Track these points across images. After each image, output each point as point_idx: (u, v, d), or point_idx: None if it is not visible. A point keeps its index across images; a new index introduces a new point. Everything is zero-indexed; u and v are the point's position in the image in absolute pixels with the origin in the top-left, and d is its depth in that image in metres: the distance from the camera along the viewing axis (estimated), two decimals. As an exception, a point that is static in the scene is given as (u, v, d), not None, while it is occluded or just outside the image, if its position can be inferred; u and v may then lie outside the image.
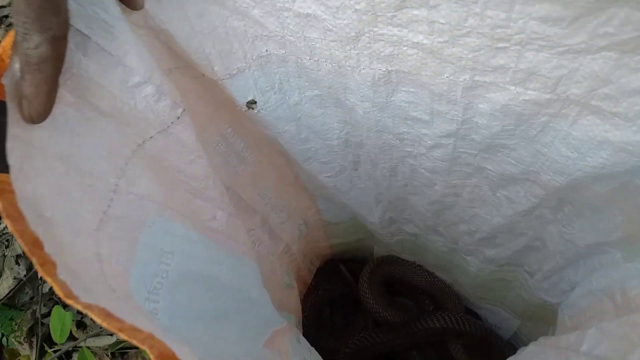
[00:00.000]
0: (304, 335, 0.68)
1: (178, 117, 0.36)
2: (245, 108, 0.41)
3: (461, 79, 0.33)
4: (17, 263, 0.84)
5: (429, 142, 0.41)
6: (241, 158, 0.47)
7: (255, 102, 0.40)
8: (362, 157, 0.50)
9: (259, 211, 0.50)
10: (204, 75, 0.39)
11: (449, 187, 0.47)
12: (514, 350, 0.63)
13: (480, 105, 0.34)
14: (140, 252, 0.29)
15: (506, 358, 0.62)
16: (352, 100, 0.40)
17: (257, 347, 0.42)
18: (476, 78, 0.32)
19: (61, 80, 0.24)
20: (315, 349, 0.72)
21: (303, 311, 0.69)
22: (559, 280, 0.47)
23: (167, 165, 0.36)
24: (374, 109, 0.39)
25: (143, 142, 0.33)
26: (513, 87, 0.32)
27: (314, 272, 0.75)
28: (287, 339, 0.49)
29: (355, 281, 0.74)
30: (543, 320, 0.56)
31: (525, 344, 0.65)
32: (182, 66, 0.39)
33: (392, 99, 0.38)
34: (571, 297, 0.45)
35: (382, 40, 0.33)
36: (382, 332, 0.66)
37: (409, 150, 0.44)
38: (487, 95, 0.33)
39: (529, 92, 0.32)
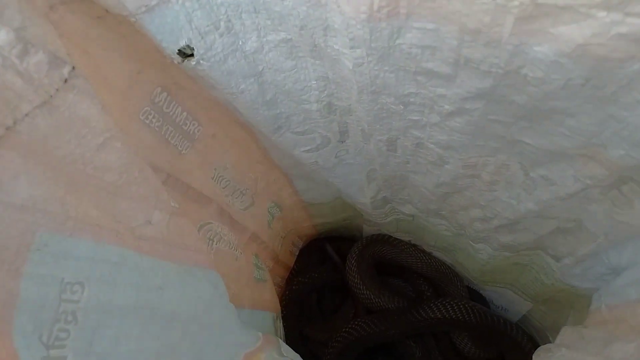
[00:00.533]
0: (287, 327, 0.58)
1: (65, 81, 0.23)
2: (177, 59, 0.27)
3: (514, 3, 0.20)
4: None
5: (446, 107, 0.28)
6: (185, 133, 0.33)
7: (193, 50, 0.26)
8: (351, 127, 0.37)
9: (214, 199, 0.37)
10: (107, 12, 0.25)
11: (465, 166, 0.34)
12: (526, 336, 0.54)
13: (538, 48, 0.21)
14: (26, 291, 0.20)
15: (519, 344, 0.54)
16: (336, 46, 0.26)
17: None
18: (540, 0, 0.19)
19: None
20: (303, 341, 0.62)
21: (285, 299, 0.58)
22: (595, 264, 0.37)
23: (62, 154, 0.23)
24: (370, 59, 0.26)
25: (14, 123, 0.21)
26: (604, 13, 0.19)
27: (297, 253, 0.63)
28: (264, 357, 0.38)
29: (344, 262, 0.63)
30: (561, 304, 0.46)
31: (537, 328, 0.56)
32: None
33: (398, 42, 0.24)
34: (614, 284, 0.35)
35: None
36: (375, 321, 0.55)
37: (415, 118, 0.31)
38: (552, 31, 0.20)
39: (629, 19, 0.19)
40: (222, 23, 0.26)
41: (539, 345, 0.55)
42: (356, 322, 0.56)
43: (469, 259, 0.52)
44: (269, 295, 0.49)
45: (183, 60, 0.27)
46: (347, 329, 0.55)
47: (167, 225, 0.30)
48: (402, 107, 0.30)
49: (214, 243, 0.38)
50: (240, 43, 0.27)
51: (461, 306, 0.53)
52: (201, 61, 0.27)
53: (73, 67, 0.23)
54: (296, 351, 0.57)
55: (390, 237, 0.61)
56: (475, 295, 0.61)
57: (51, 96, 0.23)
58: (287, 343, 0.56)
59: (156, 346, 0.27)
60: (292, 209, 0.50)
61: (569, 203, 0.32)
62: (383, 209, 0.51)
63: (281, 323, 0.54)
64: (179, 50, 0.26)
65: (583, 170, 0.28)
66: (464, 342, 0.55)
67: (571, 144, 0.27)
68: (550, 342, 0.52)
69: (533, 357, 0.38)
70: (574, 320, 0.45)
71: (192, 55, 0.27)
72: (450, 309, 0.53)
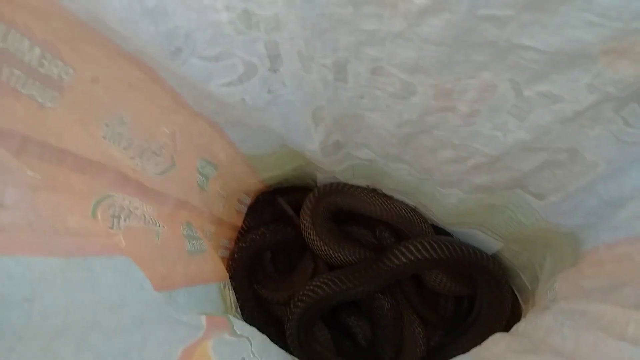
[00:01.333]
0: (239, 292, 0.50)
1: None
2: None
3: None
4: None
5: (418, 0, 0.18)
6: (45, 79, 0.22)
7: None
8: (284, 48, 0.26)
9: (111, 165, 0.26)
10: None
11: (437, 95, 0.25)
12: (499, 266, 0.49)
13: None
14: None
15: (493, 273, 0.47)
16: None
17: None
18: None
19: None
20: (259, 305, 0.55)
21: (234, 261, 0.50)
22: (588, 198, 0.30)
23: None
24: None
25: None
26: None
27: (245, 211, 0.54)
28: (211, 345, 0.30)
29: (299, 216, 0.55)
30: (535, 243, 0.41)
31: (507, 267, 0.48)
32: None
33: None
34: (614, 219, 0.30)
35: None
36: (341, 278, 0.48)
37: (371, 28, 0.21)
38: None
39: None
40: None
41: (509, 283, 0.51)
42: (319, 281, 0.49)
43: (434, 202, 0.45)
44: (210, 265, 0.40)
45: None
46: (309, 289, 0.48)
47: (31, 207, 0.20)
48: (351, 9, 0.19)
49: (121, 220, 0.27)
50: None
51: (427, 245, 0.47)
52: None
53: None
54: (253, 317, 0.50)
55: (345, 185, 0.52)
56: (441, 234, 0.55)
57: None
58: (241, 310, 0.48)
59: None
60: (230, 164, 0.40)
61: (570, 127, 0.25)
62: (336, 155, 0.42)
63: (231, 290, 0.46)
64: None
65: (605, 74, 0.20)
66: (438, 278, 0.50)
67: (598, 37, 0.18)
68: (523, 280, 0.47)
69: (527, 314, 0.32)
70: (551, 260, 0.39)
71: None
72: (416, 250, 0.47)
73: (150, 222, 0.29)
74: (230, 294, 0.46)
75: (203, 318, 0.30)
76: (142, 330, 0.24)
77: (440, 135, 0.31)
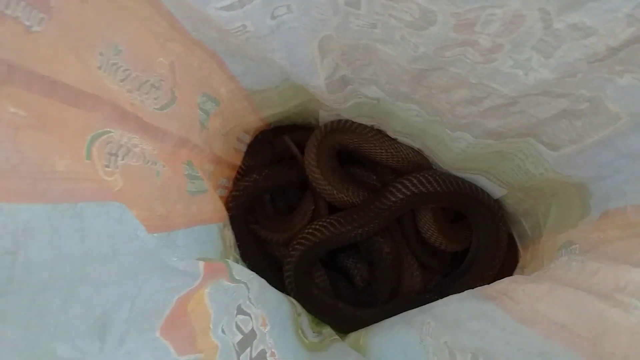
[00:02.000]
0: (238, 232, 0.50)
1: None
2: None
3: None
4: None
5: None
6: (33, 4, 0.20)
7: None
8: None
9: (108, 97, 0.24)
10: None
11: (458, 26, 0.23)
12: (497, 204, 0.49)
13: None
14: None
15: (492, 210, 0.48)
16: None
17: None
18: None
19: None
20: (258, 246, 0.55)
21: (233, 201, 0.50)
22: (604, 151, 0.30)
23: None
24: None
25: None
26: None
27: (244, 149, 0.53)
28: (208, 291, 0.30)
29: (302, 154, 0.54)
30: (542, 191, 0.41)
31: (509, 213, 0.49)
32: None
33: None
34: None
35: None
36: (337, 222, 0.48)
37: None
38: None
39: None
40: None
41: (509, 230, 0.52)
42: (317, 224, 0.49)
43: (441, 146, 0.44)
44: (211, 205, 0.40)
45: None
46: (308, 232, 0.49)
47: (15, 148, 0.19)
48: None
49: (119, 159, 0.27)
50: None
51: (424, 179, 0.48)
52: None
53: None
54: (252, 259, 0.51)
55: (353, 123, 0.51)
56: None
57: None
58: (240, 253, 0.49)
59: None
60: (230, 100, 0.38)
61: (598, 70, 0.23)
62: (342, 92, 0.40)
63: (230, 230, 0.47)
64: None
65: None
66: (433, 235, 0.50)
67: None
68: (524, 226, 0.48)
69: (549, 267, 0.32)
70: (557, 209, 0.39)
71: None
72: (412, 185, 0.48)
73: (150, 160, 0.28)
74: (229, 234, 0.46)
75: (200, 264, 0.30)
76: (135, 281, 0.23)
77: (456, 73, 0.29)
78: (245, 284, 0.34)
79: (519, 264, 0.47)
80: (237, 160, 0.51)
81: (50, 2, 0.21)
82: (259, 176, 0.51)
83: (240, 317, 0.30)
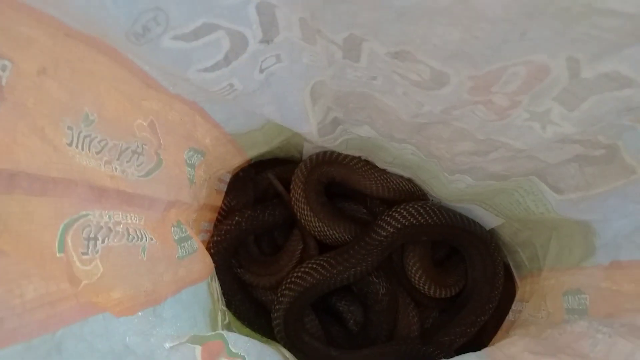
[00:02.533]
0: (223, 283, 0.47)
1: None
2: None
3: None
4: None
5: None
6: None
7: None
8: (281, 11, 0.22)
9: (81, 178, 0.21)
10: None
11: (476, 87, 0.22)
12: (492, 237, 0.48)
13: None
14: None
15: (487, 243, 0.47)
16: None
17: None
18: None
19: None
20: (243, 292, 0.52)
21: (215, 247, 0.46)
22: (611, 197, 0.29)
23: None
24: None
25: None
26: None
27: (224, 189, 0.50)
28: None
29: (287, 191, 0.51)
30: (542, 224, 0.40)
31: (505, 242, 0.48)
32: None
33: None
34: None
35: None
36: (328, 263, 0.45)
37: (404, 4, 0.17)
38: None
39: None
40: None
41: (505, 259, 0.51)
42: (307, 266, 0.46)
43: (435, 181, 0.43)
44: (200, 264, 0.37)
45: None
46: (297, 276, 0.46)
47: None
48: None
49: (99, 242, 0.23)
50: None
51: (414, 210, 0.46)
52: None
53: None
54: (242, 310, 0.47)
55: (339, 155, 0.49)
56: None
57: None
58: (228, 304, 0.46)
59: None
60: (215, 147, 0.35)
61: (624, 118, 0.22)
62: (332, 134, 0.38)
63: (216, 282, 0.43)
64: None
65: None
66: (421, 281, 0.48)
67: None
68: (521, 257, 0.47)
69: (565, 329, 0.31)
70: (557, 243, 0.38)
71: None
72: (402, 217, 0.46)
73: (135, 237, 0.25)
74: (216, 286, 0.43)
75: (198, 353, 0.27)
76: None
77: (462, 128, 0.28)
78: (243, 357, 0.31)
79: (517, 297, 0.47)
80: (218, 201, 0.48)
81: (1, 80, 0.18)
82: (241, 218, 0.48)
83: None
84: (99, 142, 0.23)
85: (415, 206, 0.46)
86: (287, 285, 0.46)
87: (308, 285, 0.45)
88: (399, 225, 0.46)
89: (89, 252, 0.22)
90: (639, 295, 0.27)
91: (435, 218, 0.46)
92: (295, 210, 0.49)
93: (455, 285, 0.49)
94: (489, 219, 0.47)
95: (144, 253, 0.26)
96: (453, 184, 0.38)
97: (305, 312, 0.48)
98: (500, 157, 0.30)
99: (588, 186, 0.29)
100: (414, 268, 0.49)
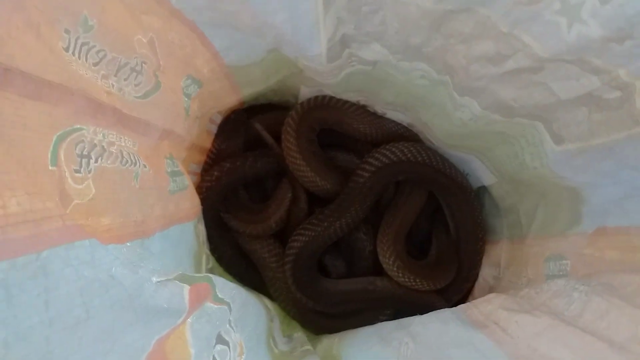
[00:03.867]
0: (210, 226, 0.47)
1: None
2: None
3: None
4: None
5: None
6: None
7: None
8: None
9: (78, 86, 0.20)
10: None
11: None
12: (473, 190, 0.49)
13: None
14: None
15: (466, 192, 0.47)
16: None
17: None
18: None
19: None
20: (229, 240, 0.51)
21: (204, 192, 0.46)
22: (608, 157, 0.29)
23: None
24: None
25: None
26: None
27: (215, 131, 0.49)
28: (190, 322, 0.27)
29: (276, 139, 0.50)
30: (531, 188, 0.41)
31: (490, 204, 0.50)
32: None
33: None
34: None
35: None
36: (320, 216, 0.46)
37: None
38: None
39: None
40: None
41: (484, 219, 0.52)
42: (309, 223, 0.46)
43: (440, 117, 0.42)
44: (189, 202, 0.36)
45: None
46: (294, 237, 0.46)
47: None
48: None
49: (92, 161, 0.22)
50: None
51: (396, 149, 0.46)
52: None
53: None
54: (222, 253, 0.48)
55: (332, 98, 0.48)
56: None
57: None
58: (209, 245, 0.45)
59: None
60: (211, 81, 0.34)
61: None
62: (339, 60, 0.37)
63: (203, 225, 0.43)
64: None
65: None
66: (399, 274, 0.47)
67: None
68: (500, 223, 0.48)
69: (542, 289, 0.31)
70: (544, 211, 0.39)
71: None
72: (382, 155, 0.46)
73: (129, 161, 0.24)
74: (203, 228, 0.43)
75: (186, 294, 0.27)
76: (111, 338, 0.20)
77: (486, 17, 0.27)
78: (228, 304, 0.32)
79: (489, 261, 0.48)
80: (208, 143, 0.47)
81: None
82: (233, 165, 0.47)
83: (219, 347, 0.28)
84: (97, 52, 0.22)
85: (396, 145, 0.47)
86: (289, 250, 0.46)
87: (302, 245, 0.46)
88: (379, 164, 0.46)
89: (82, 170, 0.21)
90: (622, 261, 0.28)
91: (417, 155, 0.46)
92: (286, 159, 0.48)
93: (446, 278, 0.48)
94: (482, 174, 0.48)
95: (137, 180, 0.25)
96: (459, 112, 0.38)
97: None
98: (516, 71, 0.30)
99: (590, 135, 0.29)
100: (390, 259, 0.46)
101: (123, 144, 0.24)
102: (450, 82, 0.36)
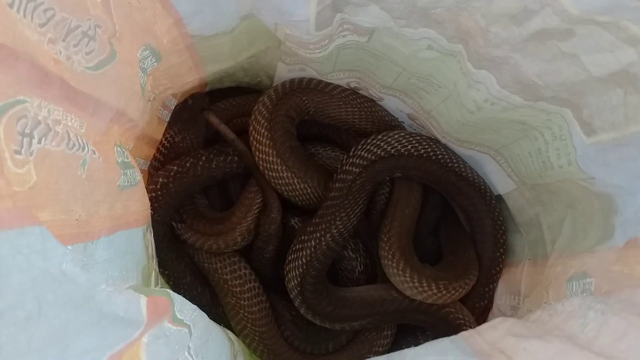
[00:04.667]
0: (159, 237, 0.48)
1: None
2: None
3: None
4: None
5: None
6: None
7: None
8: None
9: (23, 51, 0.22)
10: None
11: None
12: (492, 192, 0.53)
13: None
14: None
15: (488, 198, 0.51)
16: None
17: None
18: None
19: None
20: (180, 255, 0.53)
21: (153, 197, 0.47)
22: None
23: None
24: None
25: None
26: None
27: (168, 118, 0.50)
28: (146, 341, 0.28)
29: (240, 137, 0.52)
30: (557, 196, 0.44)
31: (513, 220, 0.52)
32: None
33: None
34: None
35: None
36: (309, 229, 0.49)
37: None
38: None
39: None
40: None
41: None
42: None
43: (449, 103, 0.45)
44: (138, 204, 0.38)
45: None
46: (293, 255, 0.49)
47: None
48: None
49: (34, 141, 0.24)
50: None
51: (392, 139, 0.48)
52: None
53: None
54: (185, 285, 0.50)
55: (314, 79, 0.51)
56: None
57: None
58: (157, 259, 0.47)
59: None
60: (170, 53, 0.36)
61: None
62: (329, 28, 0.39)
63: (151, 235, 0.45)
64: None
65: None
66: (406, 282, 0.49)
67: None
68: (522, 242, 0.51)
69: (556, 309, 0.34)
70: (572, 225, 0.42)
71: None
72: (375, 147, 0.48)
73: (77, 144, 0.26)
74: (151, 239, 0.44)
75: (143, 306, 0.29)
76: (63, 342, 0.22)
77: None
78: (189, 327, 0.33)
79: (509, 288, 0.50)
80: (159, 134, 0.48)
81: None
82: (181, 167, 0.48)
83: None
84: (44, 10, 0.23)
85: (391, 134, 0.49)
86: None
87: (303, 270, 0.48)
88: (372, 157, 0.47)
89: (22, 151, 0.23)
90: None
91: (418, 147, 0.48)
92: (255, 154, 0.49)
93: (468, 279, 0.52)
94: (498, 179, 0.51)
95: (84, 168, 0.27)
96: (472, 91, 0.41)
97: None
98: (543, 32, 0.32)
99: (626, 122, 0.32)
100: (393, 262, 0.49)
101: (69, 124, 0.26)
102: (464, 51, 0.39)
